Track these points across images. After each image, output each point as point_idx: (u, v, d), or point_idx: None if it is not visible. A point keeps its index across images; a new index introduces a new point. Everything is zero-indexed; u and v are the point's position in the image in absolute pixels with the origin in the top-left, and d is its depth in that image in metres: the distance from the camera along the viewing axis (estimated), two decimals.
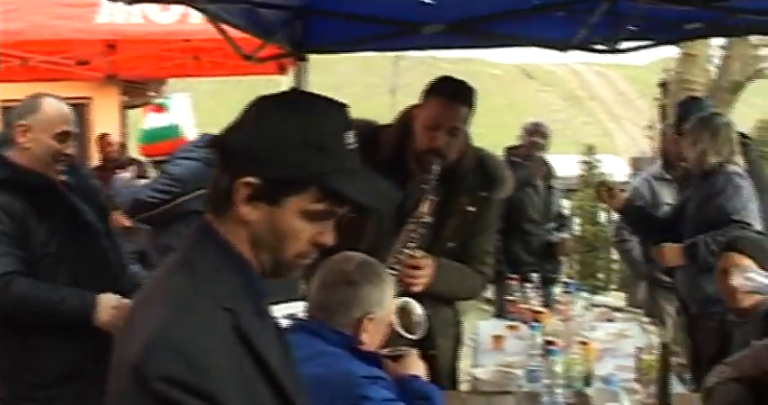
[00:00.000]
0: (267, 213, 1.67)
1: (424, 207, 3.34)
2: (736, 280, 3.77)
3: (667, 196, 5.77)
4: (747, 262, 3.82)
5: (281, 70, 7.11)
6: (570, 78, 45.88)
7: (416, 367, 2.82)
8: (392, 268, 3.27)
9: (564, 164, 10.75)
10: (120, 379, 1.56)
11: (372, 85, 32.05)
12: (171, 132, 4.65)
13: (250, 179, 1.64)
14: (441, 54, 37.95)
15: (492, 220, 3.66)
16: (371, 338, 2.64)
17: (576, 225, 9.54)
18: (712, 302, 4.61)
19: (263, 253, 1.70)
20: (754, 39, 9.94)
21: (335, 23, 5.21)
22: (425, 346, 3.46)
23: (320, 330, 2.60)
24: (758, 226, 4.61)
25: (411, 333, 3.19)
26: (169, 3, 5.51)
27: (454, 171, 3.44)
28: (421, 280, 3.35)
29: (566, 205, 9.65)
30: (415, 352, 2.85)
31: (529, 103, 40.20)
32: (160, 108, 4.74)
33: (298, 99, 1.78)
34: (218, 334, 1.55)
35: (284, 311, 4.02)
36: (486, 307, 7.37)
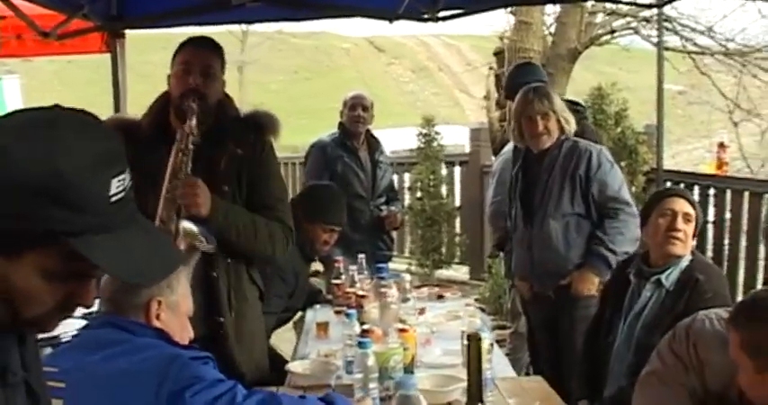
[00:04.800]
0: (2, 263, 1.32)
1: (191, 126, 3.33)
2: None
3: None
4: (689, 207, 3.80)
5: (109, 48, 6.71)
6: (419, 50, 46.10)
7: None
8: (168, 193, 3.25)
9: (411, 137, 10.62)
10: None
11: None
12: None
13: None
14: (288, 28, 37.56)
15: (270, 167, 3.71)
16: (167, 327, 2.50)
17: (417, 199, 9.46)
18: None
19: None
20: (588, 5, 9.96)
21: None
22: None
23: (127, 325, 2.45)
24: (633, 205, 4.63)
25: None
26: None
27: (215, 116, 3.52)
28: (201, 198, 3.29)
29: (406, 179, 9.60)
30: None
31: (379, 75, 40.22)
32: None
33: (49, 126, 1.33)
34: None
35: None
36: None
